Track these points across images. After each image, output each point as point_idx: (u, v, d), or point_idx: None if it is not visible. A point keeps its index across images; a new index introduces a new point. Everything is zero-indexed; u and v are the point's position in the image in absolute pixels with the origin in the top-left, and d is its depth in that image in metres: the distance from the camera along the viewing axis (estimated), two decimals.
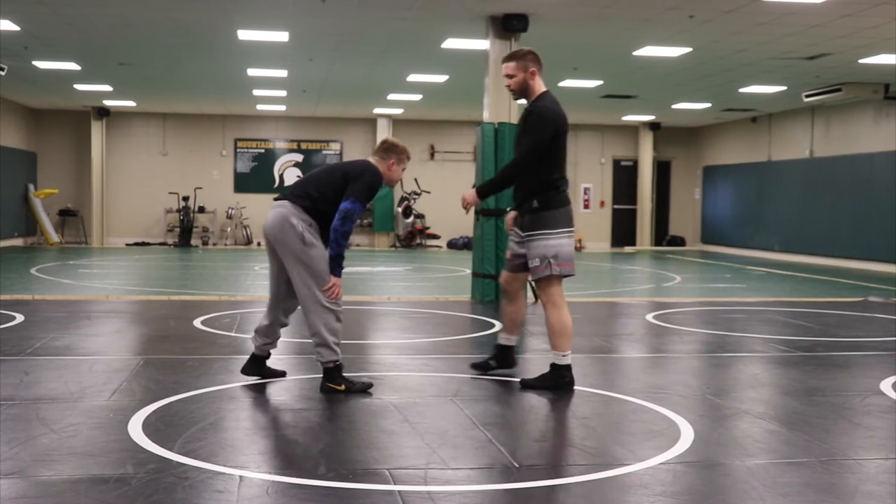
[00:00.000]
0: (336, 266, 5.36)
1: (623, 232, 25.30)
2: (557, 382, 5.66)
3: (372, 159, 5.64)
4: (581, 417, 5.12)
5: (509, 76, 5.76)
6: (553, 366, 5.70)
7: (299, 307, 5.56)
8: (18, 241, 21.62)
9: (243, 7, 10.79)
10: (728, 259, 20.53)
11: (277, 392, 5.54)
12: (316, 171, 5.74)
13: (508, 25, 10.75)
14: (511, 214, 5.93)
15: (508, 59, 5.82)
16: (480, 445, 4.36)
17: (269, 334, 5.68)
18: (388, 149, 5.64)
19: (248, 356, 5.89)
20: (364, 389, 5.47)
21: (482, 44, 11.44)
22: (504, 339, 6.18)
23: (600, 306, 10.67)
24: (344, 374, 5.51)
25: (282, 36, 12.38)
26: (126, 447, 4.19)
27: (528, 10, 10.58)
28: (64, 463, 3.97)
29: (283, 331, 5.79)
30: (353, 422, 4.82)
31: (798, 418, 5.10)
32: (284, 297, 5.61)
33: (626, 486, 3.81)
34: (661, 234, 25.49)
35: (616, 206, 25.41)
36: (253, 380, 5.79)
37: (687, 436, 4.57)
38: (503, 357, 6.18)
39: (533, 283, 6.23)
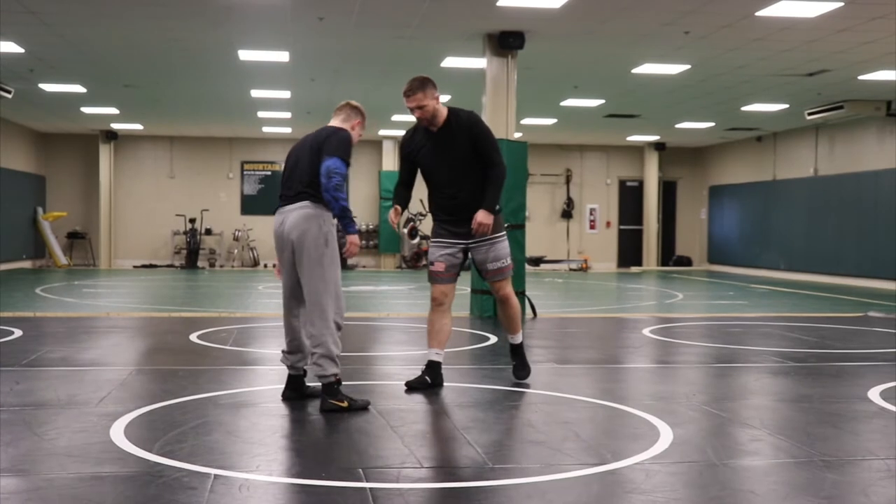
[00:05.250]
0: (349, 221, 5.17)
1: (629, 252, 25.28)
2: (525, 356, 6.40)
3: (335, 121, 5.48)
4: (564, 422, 5.13)
5: (420, 107, 5.77)
6: (520, 346, 6.34)
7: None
8: (27, 264, 21.78)
9: (243, 27, 10.92)
10: (733, 278, 20.49)
11: (261, 399, 5.57)
12: (297, 162, 5.36)
13: (505, 43, 10.84)
14: (397, 211, 5.92)
15: (412, 91, 5.77)
16: (458, 447, 4.39)
17: (296, 349, 5.45)
18: (355, 108, 5.51)
19: (242, 367, 5.92)
20: (364, 407, 5.24)
21: (481, 62, 11.53)
22: (436, 356, 6.01)
23: (600, 321, 10.70)
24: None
25: (282, 56, 12.51)
26: (106, 449, 4.23)
27: (523, 27, 10.67)
28: (42, 463, 4.01)
29: None
30: (333, 425, 4.86)
31: (782, 423, 5.11)
32: (299, 307, 5.39)
33: (597, 484, 3.82)
34: (668, 254, 25.46)
35: (622, 227, 25.41)
36: (240, 388, 5.82)
37: (666, 438, 4.58)
38: (435, 373, 6.00)
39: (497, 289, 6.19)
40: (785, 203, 20.99)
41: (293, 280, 5.37)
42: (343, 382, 5.36)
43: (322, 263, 5.21)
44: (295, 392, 5.49)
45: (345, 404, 5.17)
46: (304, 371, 5.49)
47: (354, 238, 5.25)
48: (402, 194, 6.14)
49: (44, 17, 10.44)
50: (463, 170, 5.90)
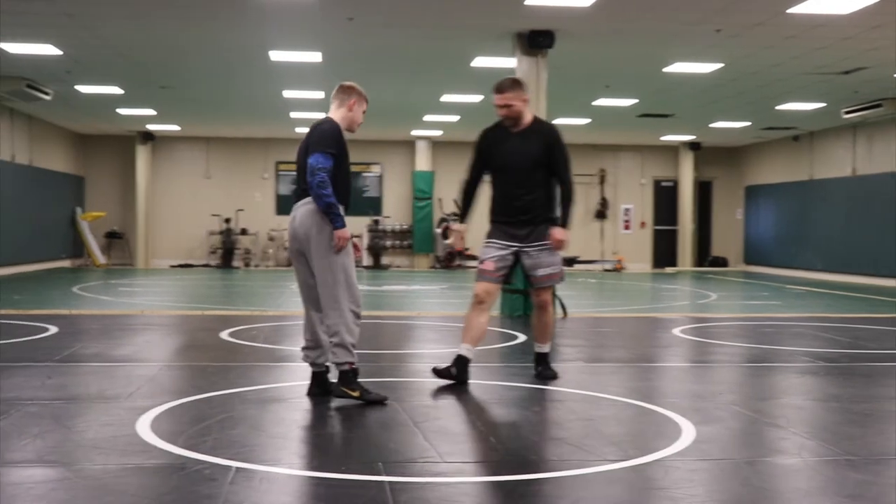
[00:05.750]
0: (335, 217, 5.21)
1: (664, 253, 25.11)
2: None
3: (331, 109, 5.50)
4: (588, 419, 5.13)
5: (507, 105, 5.99)
6: (545, 355, 6.36)
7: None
8: (66, 263, 22.12)
9: (273, 28, 11.01)
10: (769, 279, 20.29)
11: (287, 394, 5.61)
12: (301, 160, 5.44)
13: (535, 42, 10.81)
14: (461, 227, 6.29)
15: (503, 90, 6.01)
16: (480, 443, 4.40)
17: (315, 345, 5.47)
18: (347, 89, 5.49)
19: (271, 364, 5.97)
20: (380, 401, 5.26)
21: (511, 62, 11.52)
22: (467, 351, 6.03)
23: (631, 321, 10.67)
24: (359, 381, 5.35)
25: (315, 56, 12.60)
26: (132, 442, 4.30)
27: (553, 26, 10.64)
28: (69, 454, 4.09)
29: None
30: (356, 420, 4.89)
31: (808, 422, 5.07)
32: (317, 303, 5.43)
33: (615, 480, 3.82)
34: (704, 255, 25.26)
35: (657, 227, 25.24)
36: (267, 384, 5.88)
37: (689, 436, 4.56)
38: (462, 369, 6.01)
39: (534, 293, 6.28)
40: (822, 203, 20.74)
41: (306, 275, 5.44)
42: (371, 379, 5.39)
43: (329, 256, 5.26)
44: (320, 388, 5.52)
45: (356, 394, 5.25)
46: (327, 367, 5.52)
47: (341, 232, 5.24)
48: (469, 196, 6.28)
49: (80, 18, 10.61)
50: (531, 174, 6.05)
